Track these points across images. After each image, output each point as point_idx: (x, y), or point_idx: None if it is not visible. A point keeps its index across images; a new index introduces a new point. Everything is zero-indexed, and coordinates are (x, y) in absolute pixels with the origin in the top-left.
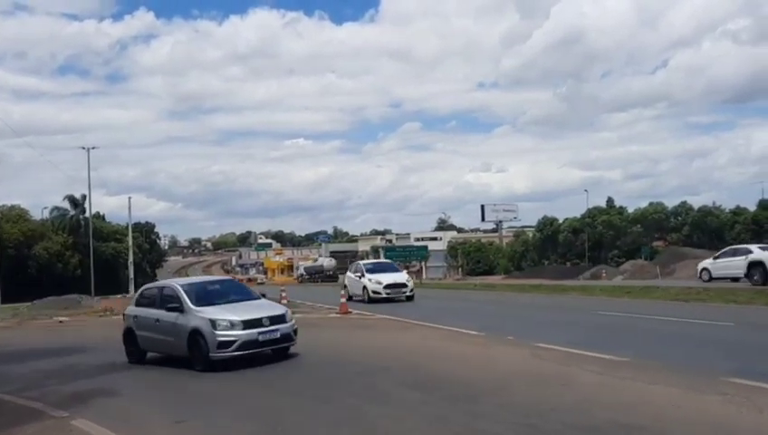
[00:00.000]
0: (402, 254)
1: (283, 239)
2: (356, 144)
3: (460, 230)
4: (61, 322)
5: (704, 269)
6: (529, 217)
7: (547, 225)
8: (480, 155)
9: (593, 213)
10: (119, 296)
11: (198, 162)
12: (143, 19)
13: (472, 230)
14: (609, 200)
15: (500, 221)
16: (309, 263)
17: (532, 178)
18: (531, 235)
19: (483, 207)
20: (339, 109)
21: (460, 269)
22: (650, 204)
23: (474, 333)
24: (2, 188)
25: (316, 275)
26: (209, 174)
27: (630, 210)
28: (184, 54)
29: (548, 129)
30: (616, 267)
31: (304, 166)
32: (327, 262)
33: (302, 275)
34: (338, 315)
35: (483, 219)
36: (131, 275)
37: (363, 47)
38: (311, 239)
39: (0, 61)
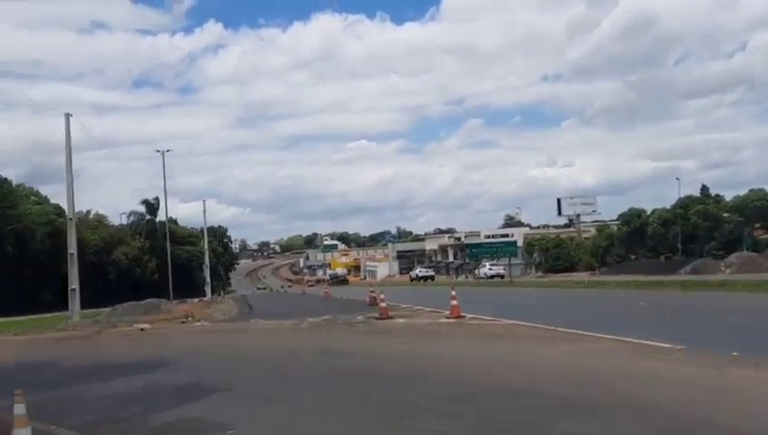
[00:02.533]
0: (489, 250)
1: (348, 240)
2: (418, 144)
3: (532, 227)
4: (142, 329)
5: None
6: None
7: (634, 217)
8: (546, 149)
9: (686, 203)
10: (196, 300)
11: (266, 168)
12: (212, 31)
13: (543, 226)
14: (704, 189)
15: (578, 215)
16: (332, 271)
17: (601, 170)
18: (615, 228)
19: (559, 200)
20: (401, 109)
21: (534, 267)
22: (751, 190)
23: (664, 345)
24: (81, 198)
25: (336, 280)
26: (276, 179)
27: (728, 198)
28: (250, 63)
29: (617, 119)
30: (716, 260)
31: (367, 167)
32: (340, 271)
33: (328, 279)
34: (450, 320)
35: (559, 213)
36: (208, 278)
37: (424, 46)
38: (375, 240)
39: (80, 77)
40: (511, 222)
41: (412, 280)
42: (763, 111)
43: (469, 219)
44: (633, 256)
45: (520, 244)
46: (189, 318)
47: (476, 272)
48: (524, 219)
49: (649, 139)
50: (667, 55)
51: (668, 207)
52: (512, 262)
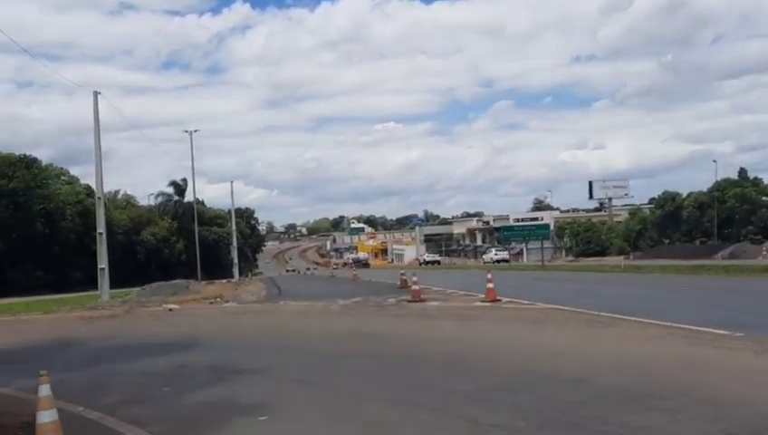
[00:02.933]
0: (521, 233)
1: (375, 223)
2: (446, 126)
3: (561, 211)
4: (171, 310)
5: None
6: (633, 194)
7: (668, 200)
8: (576, 132)
9: (723, 186)
10: (224, 281)
11: (293, 150)
12: (239, 11)
13: (572, 210)
14: (742, 171)
15: (609, 198)
16: (354, 255)
17: (633, 153)
18: (647, 212)
19: (591, 183)
20: (429, 90)
21: (564, 251)
22: None
23: (720, 332)
24: (110, 179)
25: (359, 263)
26: (303, 161)
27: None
28: (278, 43)
29: (650, 101)
30: (756, 245)
31: (395, 149)
32: (362, 255)
33: (351, 262)
34: (486, 304)
35: (591, 196)
36: (235, 259)
37: (454, 26)
38: (402, 223)
39: (110, 59)
40: (540, 205)
41: (420, 264)
42: None
43: (497, 203)
44: (666, 241)
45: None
46: (218, 299)
47: (483, 257)
48: (553, 203)
49: (683, 121)
50: (703, 35)
51: (704, 190)
52: (529, 247)
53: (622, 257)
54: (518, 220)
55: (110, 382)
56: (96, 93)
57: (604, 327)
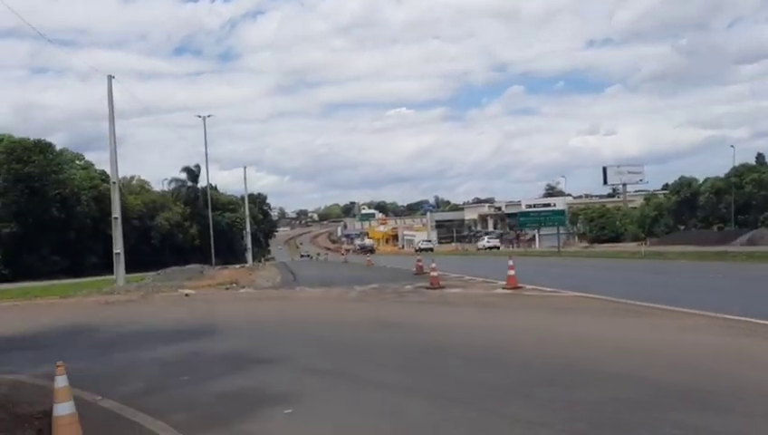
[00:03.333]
0: (537, 219)
1: (386, 209)
2: (458, 111)
3: (574, 197)
4: (187, 295)
5: None
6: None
7: (684, 186)
8: (589, 117)
9: (740, 171)
10: (237, 267)
11: (304, 135)
12: None
13: (585, 196)
14: (760, 157)
15: (624, 184)
16: (361, 241)
17: (645, 139)
18: (661, 197)
19: (605, 169)
20: (442, 75)
21: (576, 237)
22: None
23: (763, 322)
24: (124, 165)
25: (365, 249)
26: (315, 147)
27: None
28: (290, 29)
29: (664, 86)
30: None
31: (406, 135)
32: (368, 242)
33: (357, 248)
34: (507, 291)
35: (605, 182)
36: (249, 244)
37: (467, 10)
38: (412, 209)
39: (124, 44)
40: (552, 191)
41: (416, 251)
42: None
43: (508, 189)
44: (682, 227)
45: None
46: (234, 284)
47: (477, 244)
48: (565, 189)
49: (698, 106)
50: (721, 18)
51: (720, 175)
52: (541, 233)
53: (639, 243)
54: (530, 206)
55: (128, 370)
56: (110, 77)
57: (638, 317)
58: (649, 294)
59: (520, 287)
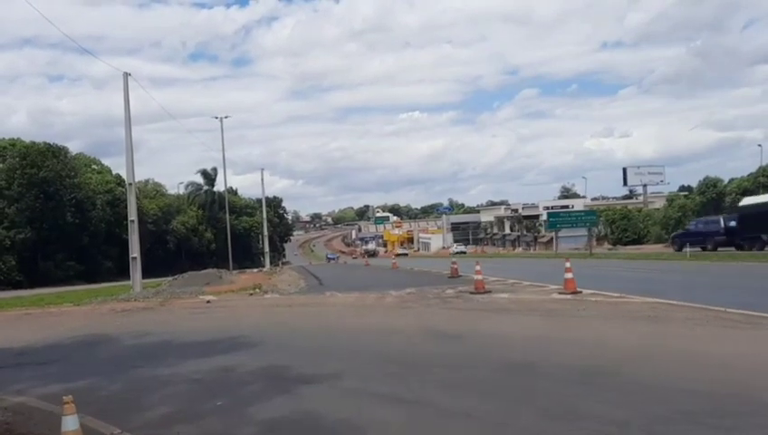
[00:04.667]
0: (568, 220)
1: (399, 212)
2: (471, 114)
3: (594, 199)
4: (208, 302)
5: None
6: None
7: (710, 187)
8: (602, 120)
9: (767, 171)
10: (255, 271)
11: (318, 140)
12: (266, 3)
13: (601, 198)
14: None
15: (645, 185)
16: (366, 246)
17: (660, 141)
18: (687, 199)
19: (625, 170)
20: (454, 79)
21: (596, 239)
22: None
23: None
24: (139, 170)
25: (371, 253)
26: (328, 151)
27: None
28: (304, 34)
29: (678, 88)
30: None
31: (419, 139)
32: (370, 246)
33: (363, 252)
34: (566, 296)
35: (625, 183)
36: (266, 248)
37: (479, 14)
38: (426, 212)
39: (139, 51)
40: (567, 194)
41: (451, 254)
42: None
43: (521, 191)
44: None
45: None
46: (257, 290)
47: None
48: (584, 191)
49: (712, 108)
50: (735, 19)
51: (745, 175)
52: (559, 235)
53: (664, 245)
54: (547, 208)
55: (150, 391)
56: (126, 74)
57: (754, 328)
58: (739, 302)
59: (579, 292)
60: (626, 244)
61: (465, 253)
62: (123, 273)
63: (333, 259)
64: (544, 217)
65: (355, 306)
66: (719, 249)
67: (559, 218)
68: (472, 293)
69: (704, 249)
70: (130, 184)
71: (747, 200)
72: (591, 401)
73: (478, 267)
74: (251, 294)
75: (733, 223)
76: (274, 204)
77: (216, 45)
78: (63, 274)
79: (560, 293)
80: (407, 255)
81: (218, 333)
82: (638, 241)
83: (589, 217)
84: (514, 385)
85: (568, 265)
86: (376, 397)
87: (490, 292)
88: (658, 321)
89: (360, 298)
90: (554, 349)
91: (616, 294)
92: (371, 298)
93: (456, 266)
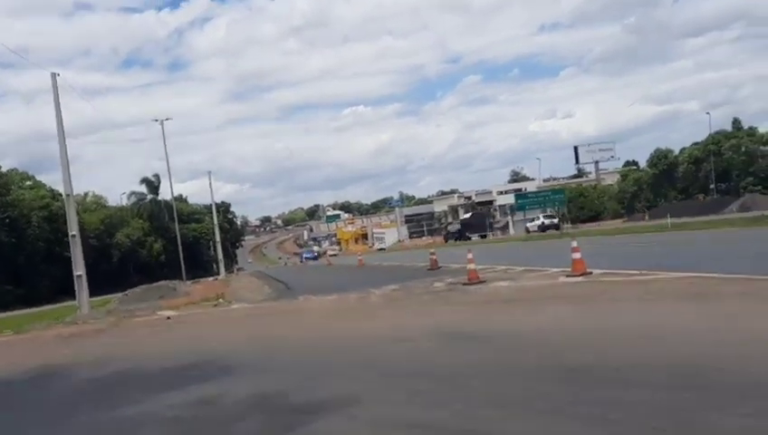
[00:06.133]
0: (536, 200)
1: (350, 209)
2: (415, 105)
3: (546, 180)
4: (168, 318)
5: None
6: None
7: (661, 158)
8: (546, 102)
9: (717, 139)
10: (210, 280)
11: (262, 141)
12: (198, 3)
13: (551, 179)
14: (736, 122)
15: (596, 162)
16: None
17: (601, 119)
18: (642, 172)
19: (576, 148)
20: (396, 71)
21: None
22: None
23: None
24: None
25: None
26: (273, 151)
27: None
28: (240, 34)
29: (616, 65)
30: (765, 196)
31: (364, 133)
32: (314, 251)
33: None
34: (579, 279)
35: (577, 162)
36: (220, 255)
37: (417, 4)
38: (377, 207)
39: (68, 61)
40: (517, 178)
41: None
42: (764, 45)
43: (471, 179)
44: (661, 200)
45: None
46: (221, 300)
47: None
48: (528, 174)
49: (649, 83)
50: None
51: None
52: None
53: (621, 220)
54: (501, 193)
55: None
56: (54, 75)
57: None
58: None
59: (589, 273)
60: (583, 221)
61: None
62: (65, 292)
63: (311, 257)
64: (499, 202)
65: (338, 310)
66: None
67: (527, 200)
68: (465, 284)
69: None
70: (68, 195)
71: None
72: (721, 413)
73: (470, 255)
74: (215, 306)
75: None
76: (223, 209)
77: (148, 50)
78: (1, 298)
79: (567, 276)
80: (384, 249)
81: (188, 356)
82: (594, 218)
83: (557, 196)
84: (593, 398)
85: (575, 243)
86: (417, 428)
87: (485, 281)
88: (709, 298)
89: (341, 300)
90: (604, 345)
91: (635, 271)
92: (353, 299)
93: (434, 258)
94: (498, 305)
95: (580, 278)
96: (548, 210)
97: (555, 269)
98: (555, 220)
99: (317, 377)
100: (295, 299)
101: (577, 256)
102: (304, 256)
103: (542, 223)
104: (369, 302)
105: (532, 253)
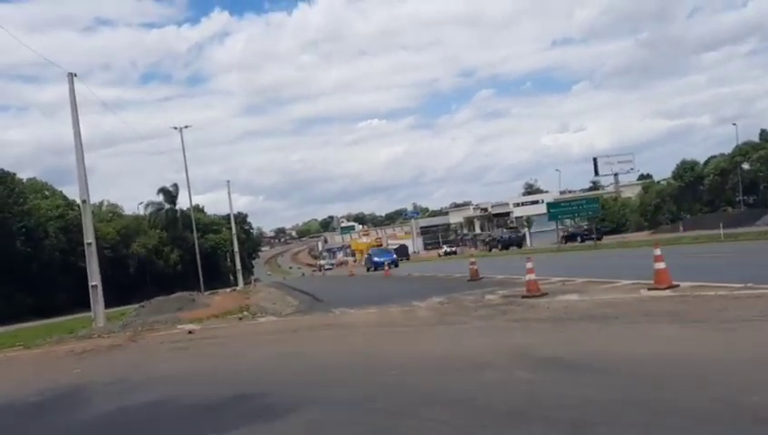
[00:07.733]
0: (569, 209)
1: (364, 220)
2: (429, 119)
3: (561, 192)
4: (190, 332)
5: None
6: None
7: (687, 170)
8: (558, 116)
9: (744, 150)
10: (228, 290)
11: (278, 153)
12: (218, 19)
13: (569, 191)
14: (763, 133)
15: (616, 174)
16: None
17: (614, 133)
18: (666, 184)
19: (595, 160)
20: (411, 84)
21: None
22: None
23: None
24: (94, 194)
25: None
26: (289, 164)
27: None
28: (258, 49)
29: (629, 79)
30: None
31: (379, 146)
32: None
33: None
34: (664, 293)
35: (596, 173)
36: (238, 265)
37: (431, 18)
38: (391, 218)
39: (88, 75)
40: (531, 190)
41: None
42: None
43: (483, 191)
44: (685, 214)
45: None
46: (245, 313)
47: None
48: (541, 186)
49: (662, 97)
50: (680, 8)
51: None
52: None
53: (646, 233)
54: (517, 205)
55: None
56: (71, 75)
57: None
58: None
59: (676, 286)
60: (605, 234)
61: (455, 253)
62: (81, 304)
63: (329, 267)
64: (516, 214)
65: (383, 326)
66: None
67: (560, 209)
68: (524, 296)
69: None
70: (84, 201)
71: None
72: None
73: (530, 264)
74: (240, 319)
75: None
76: (240, 220)
77: (168, 65)
78: (14, 309)
79: (650, 289)
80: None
81: (220, 385)
82: (616, 230)
83: (591, 206)
84: None
85: (658, 252)
86: None
87: (547, 294)
88: None
89: (382, 314)
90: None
91: (737, 285)
92: (396, 313)
93: (475, 267)
94: (582, 324)
95: (667, 292)
96: (576, 220)
97: (626, 281)
98: (586, 230)
99: (393, 415)
100: (330, 312)
101: (661, 265)
102: (326, 265)
103: (582, 233)
104: (416, 316)
105: (578, 263)
